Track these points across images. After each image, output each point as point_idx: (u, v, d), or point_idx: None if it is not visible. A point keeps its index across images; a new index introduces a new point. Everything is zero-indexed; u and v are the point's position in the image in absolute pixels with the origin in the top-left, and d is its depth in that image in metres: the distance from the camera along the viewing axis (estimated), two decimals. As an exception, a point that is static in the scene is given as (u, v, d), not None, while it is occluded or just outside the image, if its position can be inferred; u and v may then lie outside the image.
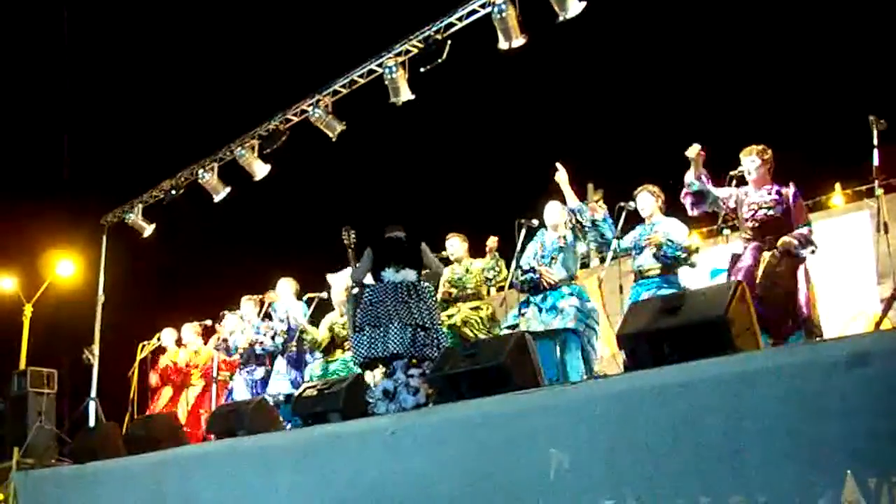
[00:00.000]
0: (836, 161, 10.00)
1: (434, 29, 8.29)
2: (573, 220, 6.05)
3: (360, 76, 9.20)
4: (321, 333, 7.47)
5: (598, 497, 3.79)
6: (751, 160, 5.43)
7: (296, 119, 9.86)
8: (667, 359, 3.99)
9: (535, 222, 6.28)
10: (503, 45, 7.78)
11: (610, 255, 5.97)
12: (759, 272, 5.16)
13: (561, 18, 7.36)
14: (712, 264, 5.56)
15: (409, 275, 5.80)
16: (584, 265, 7.06)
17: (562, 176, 6.07)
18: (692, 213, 5.67)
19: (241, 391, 7.99)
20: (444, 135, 12.63)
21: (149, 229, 11.40)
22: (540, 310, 6.04)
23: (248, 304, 8.20)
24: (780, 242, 5.14)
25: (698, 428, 3.53)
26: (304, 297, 7.85)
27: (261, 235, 14.22)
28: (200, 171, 10.60)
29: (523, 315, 6.03)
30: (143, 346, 9.32)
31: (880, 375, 3.11)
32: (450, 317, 6.80)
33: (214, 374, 8.59)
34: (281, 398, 7.55)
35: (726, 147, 5.66)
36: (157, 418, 7.62)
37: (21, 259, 14.21)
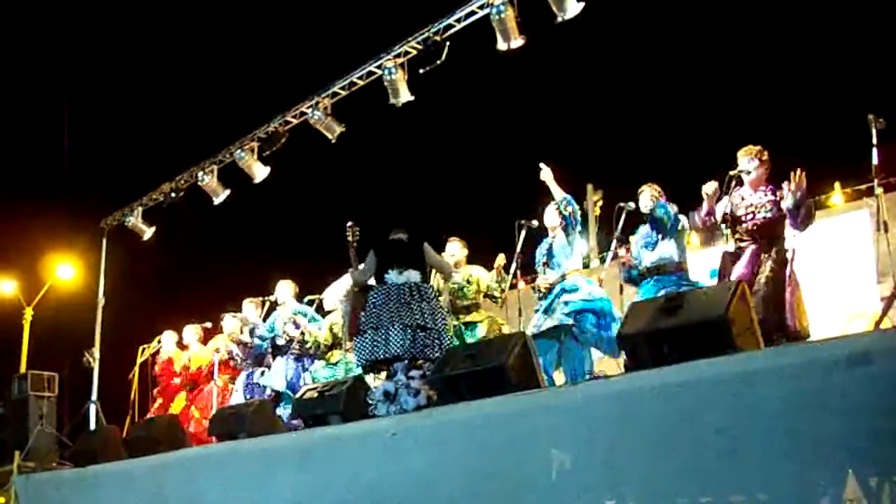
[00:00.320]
0: (835, 160, 10.00)
1: (433, 30, 8.29)
2: (559, 212, 6.06)
3: (360, 78, 9.20)
4: (322, 334, 7.48)
5: (599, 497, 3.80)
6: (748, 161, 5.43)
7: (295, 121, 9.86)
8: (667, 359, 3.99)
9: (535, 223, 6.28)
10: (502, 46, 7.78)
11: (610, 255, 5.97)
12: (759, 278, 5.18)
13: (559, 19, 7.36)
14: (712, 265, 5.56)
15: (413, 276, 5.80)
16: (585, 265, 7.03)
17: (546, 174, 6.12)
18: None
19: (238, 396, 8.01)
20: (443, 136, 12.63)
21: (149, 232, 11.40)
22: (545, 312, 6.08)
23: (249, 306, 8.21)
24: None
25: (698, 427, 3.53)
26: (305, 300, 7.86)
27: (260, 238, 14.23)
28: (200, 173, 10.60)
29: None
30: (144, 349, 9.31)
31: (881, 374, 3.11)
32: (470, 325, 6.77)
33: (214, 377, 8.58)
34: (269, 393, 7.59)
35: (726, 147, 5.65)
36: (158, 421, 7.62)
37: (21, 262, 14.20)
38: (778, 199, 5.27)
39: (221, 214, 11.09)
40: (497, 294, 6.67)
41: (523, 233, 6.21)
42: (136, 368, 9.20)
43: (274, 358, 7.95)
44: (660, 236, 5.85)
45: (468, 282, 6.80)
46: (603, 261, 6.29)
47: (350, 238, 6.35)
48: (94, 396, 10.74)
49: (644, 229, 5.98)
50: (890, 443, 3.04)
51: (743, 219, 5.39)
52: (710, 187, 5.40)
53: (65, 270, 14.06)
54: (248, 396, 7.86)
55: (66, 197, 14.30)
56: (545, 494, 3.99)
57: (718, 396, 3.53)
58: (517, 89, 11.72)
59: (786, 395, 3.33)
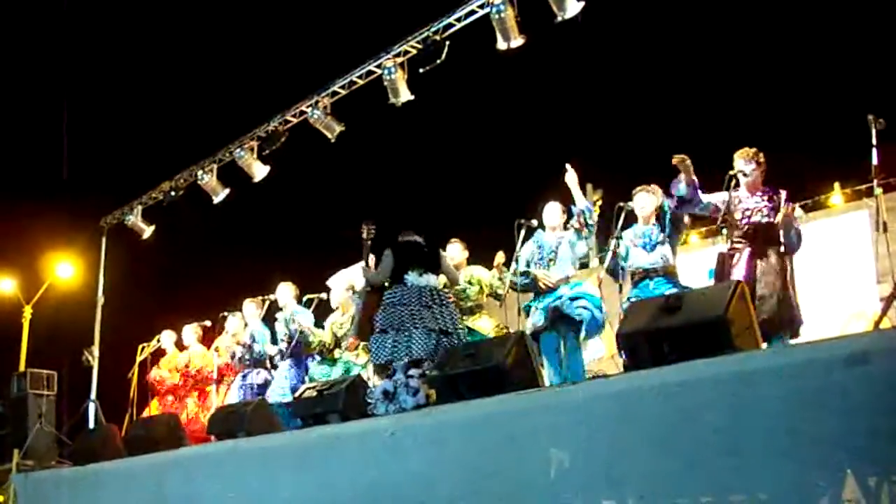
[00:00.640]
0: (835, 160, 10.00)
1: (433, 30, 8.30)
2: (581, 221, 6.04)
3: (359, 77, 9.21)
4: (326, 336, 7.47)
5: (598, 496, 3.80)
6: (744, 163, 5.44)
7: (295, 120, 9.87)
8: (666, 358, 3.99)
9: (535, 222, 6.27)
10: (502, 45, 7.79)
11: (609, 254, 5.97)
12: (768, 279, 5.20)
13: (559, 18, 7.36)
14: (711, 265, 5.55)
15: (431, 279, 5.82)
16: (584, 265, 7.04)
17: (571, 177, 6.07)
18: (676, 212, 5.71)
19: (232, 396, 8.00)
20: (442, 136, 12.62)
21: (148, 231, 11.41)
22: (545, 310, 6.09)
23: (249, 305, 8.19)
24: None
25: (698, 427, 3.54)
26: (304, 299, 7.85)
27: (260, 237, 14.21)
28: (200, 172, 10.61)
29: (527, 309, 6.08)
30: (143, 347, 9.30)
31: (881, 373, 3.12)
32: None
33: (214, 378, 8.57)
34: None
35: (726, 147, 5.65)
36: (157, 419, 7.62)
37: (20, 261, 14.20)
38: (774, 205, 5.30)
39: (221, 213, 11.10)
40: (500, 292, 6.67)
41: (523, 232, 6.21)
42: (136, 367, 9.19)
43: (273, 365, 7.92)
44: (661, 237, 5.85)
45: (469, 283, 6.78)
46: (602, 260, 6.28)
47: (365, 235, 6.32)
48: (93, 395, 10.75)
49: (642, 229, 5.96)
50: (889, 443, 3.05)
51: (739, 222, 5.40)
52: (676, 158, 5.36)
53: (64, 269, 14.07)
54: (242, 397, 7.84)
55: (65, 195, 14.29)
56: (544, 493, 3.99)
57: (718, 396, 3.53)
58: (516, 89, 11.72)
59: (785, 394, 3.33)
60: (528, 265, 6.20)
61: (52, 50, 14.03)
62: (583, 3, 7.27)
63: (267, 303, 8.01)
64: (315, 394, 5.75)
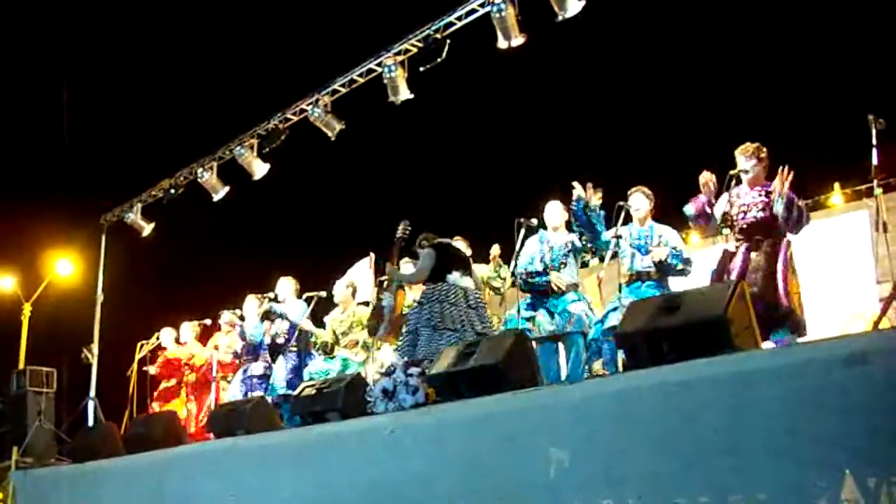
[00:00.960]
0: (834, 160, 9.99)
1: (433, 28, 8.30)
2: (581, 215, 6.00)
3: (360, 75, 9.21)
4: (328, 335, 7.48)
5: (597, 495, 3.79)
6: (746, 159, 5.41)
7: (295, 118, 9.87)
8: (666, 358, 3.99)
9: (535, 221, 6.27)
10: (502, 44, 7.79)
11: (609, 254, 5.97)
12: (750, 275, 5.17)
13: (560, 17, 7.36)
14: (711, 264, 5.55)
15: (470, 284, 5.88)
16: (584, 265, 7.04)
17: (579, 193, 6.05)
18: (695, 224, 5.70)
19: (234, 392, 8.01)
20: (443, 134, 12.62)
21: (148, 228, 11.41)
22: (552, 314, 6.06)
23: (251, 300, 8.20)
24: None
25: (697, 426, 3.53)
26: (304, 296, 7.86)
27: (260, 234, 14.22)
28: (199, 170, 10.61)
29: (531, 318, 6.05)
30: (142, 345, 9.32)
31: (880, 373, 3.11)
32: None
33: (214, 374, 8.58)
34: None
35: (726, 147, 5.64)
36: (157, 417, 7.63)
37: (20, 258, 14.20)
38: (770, 200, 5.25)
39: (221, 211, 11.10)
40: (497, 284, 6.68)
41: (523, 231, 6.21)
42: (135, 365, 9.20)
43: (273, 357, 7.94)
44: (660, 238, 5.85)
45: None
46: (602, 259, 6.28)
47: (400, 234, 6.36)
48: (92, 393, 10.75)
49: (637, 230, 5.96)
50: (888, 443, 3.04)
51: (736, 218, 5.38)
52: (704, 177, 5.38)
53: (64, 266, 14.08)
54: (244, 391, 7.86)
55: (65, 193, 14.27)
56: (543, 493, 3.99)
57: (717, 396, 3.53)
58: (517, 88, 11.71)
59: (784, 394, 3.33)
60: (543, 265, 6.18)
61: (52, 46, 14.03)
62: (583, 2, 7.27)
63: (267, 301, 8.02)
64: (314, 392, 5.75)
